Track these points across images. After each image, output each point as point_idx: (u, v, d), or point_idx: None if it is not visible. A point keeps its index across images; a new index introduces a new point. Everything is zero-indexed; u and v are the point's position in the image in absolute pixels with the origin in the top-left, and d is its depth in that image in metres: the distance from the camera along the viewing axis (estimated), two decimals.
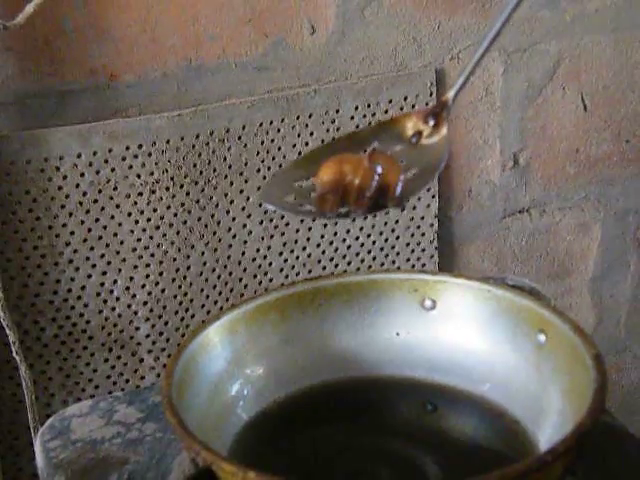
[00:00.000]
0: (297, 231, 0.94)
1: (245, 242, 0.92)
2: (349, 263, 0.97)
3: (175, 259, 0.89)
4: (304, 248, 0.95)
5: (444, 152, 0.57)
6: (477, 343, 0.59)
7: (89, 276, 0.86)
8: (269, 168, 0.91)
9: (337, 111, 0.92)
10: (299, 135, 0.91)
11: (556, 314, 0.55)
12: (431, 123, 0.58)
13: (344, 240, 0.96)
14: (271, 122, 0.90)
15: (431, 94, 0.94)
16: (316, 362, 0.60)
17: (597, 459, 0.54)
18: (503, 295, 0.58)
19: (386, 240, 0.97)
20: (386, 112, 0.93)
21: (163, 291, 0.90)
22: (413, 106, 0.94)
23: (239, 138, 0.89)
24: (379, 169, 0.54)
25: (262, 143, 0.90)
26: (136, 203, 0.86)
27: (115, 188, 0.85)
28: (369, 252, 0.97)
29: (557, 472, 0.48)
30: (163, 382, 0.53)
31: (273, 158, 0.90)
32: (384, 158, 0.56)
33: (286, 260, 0.94)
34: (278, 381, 0.59)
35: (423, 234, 0.99)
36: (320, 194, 0.55)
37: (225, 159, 0.89)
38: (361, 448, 0.56)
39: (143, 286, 0.89)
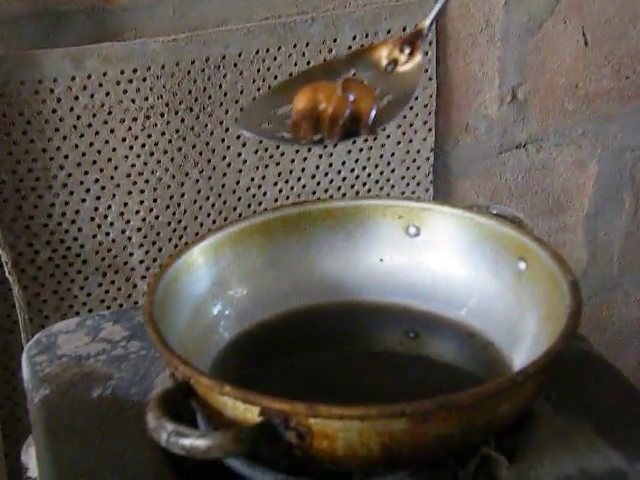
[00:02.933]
0: (292, 161, 0.94)
1: (240, 171, 0.92)
2: (344, 195, 0.97)
3: (169, 186, 0.90)
4: (299, 179, 0.95)
5: (418, 80, 0.59)
6: (459, 270, 0.60)
7: (83, 200, 0.87)
8: None
9: (335, 40, 0.91)
10: (296, 64, 0.90)
11: (536, 242, 0.56)
12: (407, 51, 0.59)
13: (339, 172, 0.96)
14: (267, 50, 0.89)
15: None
16: (299, 286, 0.61)
17: (572, 385, 0.55)
18: (486, 223, 0.58)
19: (381, 173, 0.97)
20: None
21: (157, 218, 0.90)
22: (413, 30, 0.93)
23: (235, 65, 0.88)
24: (352, 97, 0.55)
25: (258, 71, 0.89)
26: (130, 128, 0.86)
27: (109, 112, 0.85)
28: (364, 184, 0.97)
29: (528, 393, 0.48)
30: (145, 299, 0.53)
31: (269, 87, 0.90)
32: (358, 86, 0.56)
33: (280, 190, 0.94)
34: (261, 303, 0.60)
35: (419, 167, 0.98)
36: (294, 122, 0.56)
37: (221, 86, 0.88)
38: (340, 370, 0.57)
39: (137, 212, 0.89)
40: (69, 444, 0.54)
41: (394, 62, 0.59)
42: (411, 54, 0.59)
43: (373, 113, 0.56)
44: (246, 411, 0.47)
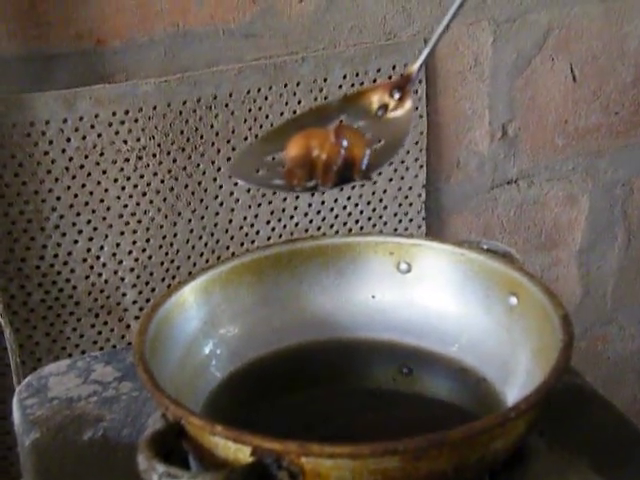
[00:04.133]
0: (284, 200, 0.94)
1: (232, 210, 0.92)
2: (336, 233, 0.97)
3: (162, 226, 0.90)
4: (291, 217, 0.95)
5: (408, 125, 0.59)
6: (451, 306, 0.60)
7: (75, 242, 0.87)
8: (256, 136, 0.91)
9: (325, 80, 0.91)
10: (287, 103, 0.91)
11: (527, 277, 0.56)
12: (396, 96, 0.59)
13: (332, 209, 0.96)
14: (259, 90, 0.90)
15: None
16: (291, 324, 0.61)
17: (566, 420, 0.55)
18: (476, 258, 0.59)
19: (374, 210, 0.98)
20: (374, 81, 0.93)
21: (150, 258, 0.90)
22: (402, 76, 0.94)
23: (226, 105, 0.89)
24: (345, 143, 0.56)
25: (249, 111, 0.90)
26: (123, 169, 0.87)
27: (102, 154, 0.85)
28: (357, 222, 0.98)
29: (521, 429, 0.48)
30: (136, 339, 0.53)
31: (260, 126, 0.91)
32: (350, 132, 0.57)
33: (273, 229, 0.95)
34: (253, 342, 0.60)
35: (411, 204, 0.99)
36: (288, 169, 0.57)
37: (212, 126, 0.89)
38: (333, 408, 0.57)
39: (130, 252, 0.89)
40: None
41: (384, 107, 0.60)
42: (401, 99, 0.59)
43: (366, 159, 0.56)
44: (238, 451, 0.46)
